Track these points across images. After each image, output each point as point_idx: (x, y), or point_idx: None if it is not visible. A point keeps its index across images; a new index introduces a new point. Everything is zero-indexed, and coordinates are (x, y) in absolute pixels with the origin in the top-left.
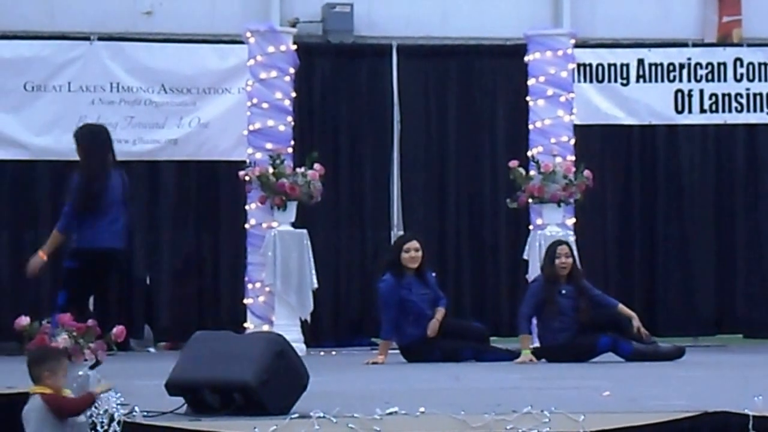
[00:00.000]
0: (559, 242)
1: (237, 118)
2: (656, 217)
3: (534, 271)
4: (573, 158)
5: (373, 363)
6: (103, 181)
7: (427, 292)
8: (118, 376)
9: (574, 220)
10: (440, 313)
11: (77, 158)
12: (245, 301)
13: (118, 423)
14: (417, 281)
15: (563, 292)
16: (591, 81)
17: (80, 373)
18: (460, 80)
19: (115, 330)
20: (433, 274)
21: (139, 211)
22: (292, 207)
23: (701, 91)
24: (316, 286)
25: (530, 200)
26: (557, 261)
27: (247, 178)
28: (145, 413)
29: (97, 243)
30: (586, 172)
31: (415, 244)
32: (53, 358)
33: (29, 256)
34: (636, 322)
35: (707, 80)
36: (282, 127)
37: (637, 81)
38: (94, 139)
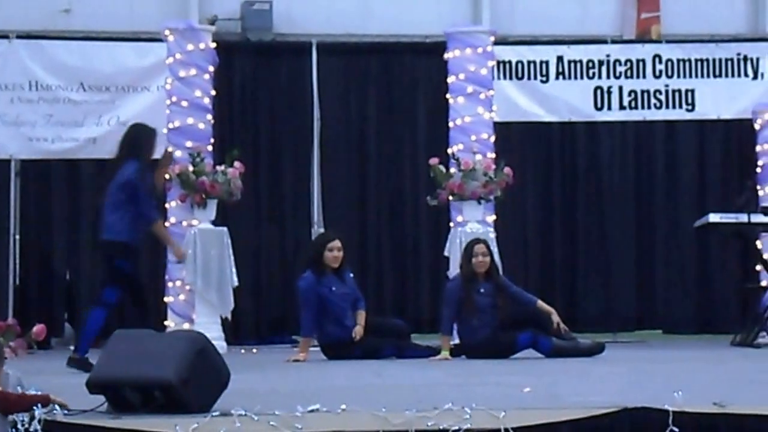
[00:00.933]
0: (477, 240)
1: (156, 117)
2: (576, 213)
3: (455, 268)
4: (493, 155)
5: (295, 360)
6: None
7: (346, 291)
8: (38, 374)
9: (494, 217)
10: (361, 317)
11: None
12: (166, 299)
13: (39, 421)
14: (337, 280)
15: (481, 290)
16: (511, 78)
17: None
18: (380, 78)
19: (35, 329)
20: (351, 275)
21: (59, 209)
22: (213, 205)
23: (620, 88)
24: (236, 283)
25: (451, 197)
26: (474, 259)
27: (167, 176)
28: (66, 412)
29: (137, 239)
30: (506, 169)
31: (337, 243)
32: None
33: None
34: (555, 318)
35: (626, 77)
36: (202, 125)
37: (557, 78)
38: (150, 135)
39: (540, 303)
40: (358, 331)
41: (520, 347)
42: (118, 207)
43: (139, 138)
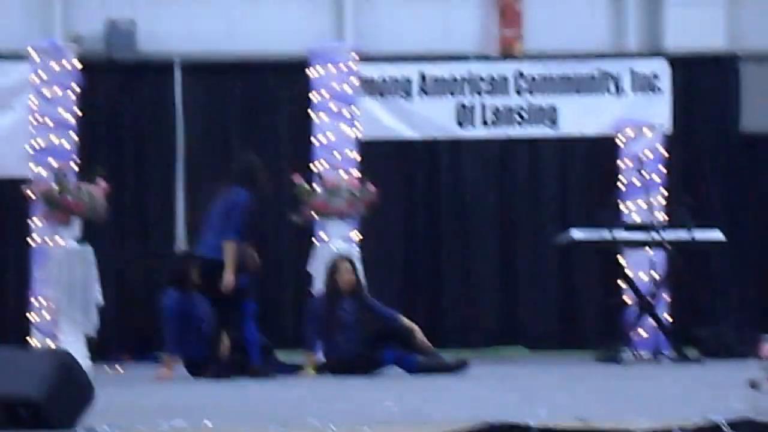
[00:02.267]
0: (341, 258)
1: (20, 135)
2: (440, 230)
3: (319, 285)
4: (357, 173)
5: (160, 378)
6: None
7: (210, 309)
8: None
9: (359, 234)
10: (223, 338)
11: None
12: (30, 317)
13: None
14: (201, 297)
15: (345, 307)
16: (374, 95)
17: None
18: (244, 95)
19: None
20: None
21: None
22: (77, 223)
23: (483, 105)
24: (101, 301)
25: (314, 215)
26: (339, 276)
27: (31, 194)
28: None
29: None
30: (371, 187)
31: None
32: None
33: None
34: (418, 334)
35: (489, 94)
36: (66, 144)
37: (420, 95)
38: (262, 169)
39: (402, 319)
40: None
41: (384, 364)
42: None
43: (252, 170)
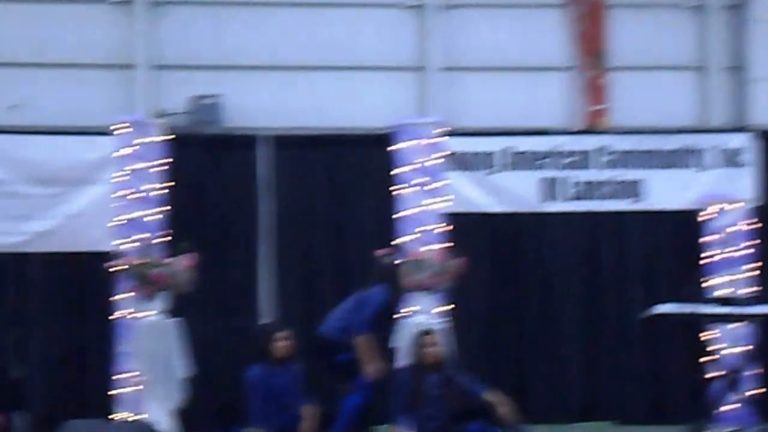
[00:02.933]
0: (426, 331)
1: (106, 210)
2: (525, 303)
3: (403, 359)
4: (442, 246)
5: None
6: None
7: (293, 381)
8: None
9: (443, 307)
10: (309, 413)
11: None
12: (115, 391)
13: None
14: (286, 370)
15: (430, 381)
16: (458, 169)
17: None
18: (328, 169)
19: None
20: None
21: (9, 302)
22: (162, 297)
23: (566, 180)
24: (186, 375)
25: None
26: (424, 350)
27: (117, 268)
28: None
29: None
30: (455, 260)
31: (285, 333)
32: None
33: None
34: (506, 407)
35: (574, 168)
36: (150, 218)
37: (504, 169)
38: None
39: (489, 393)
40: (309, 425)
41: None
42: (347, 314)
43: (392, 271)
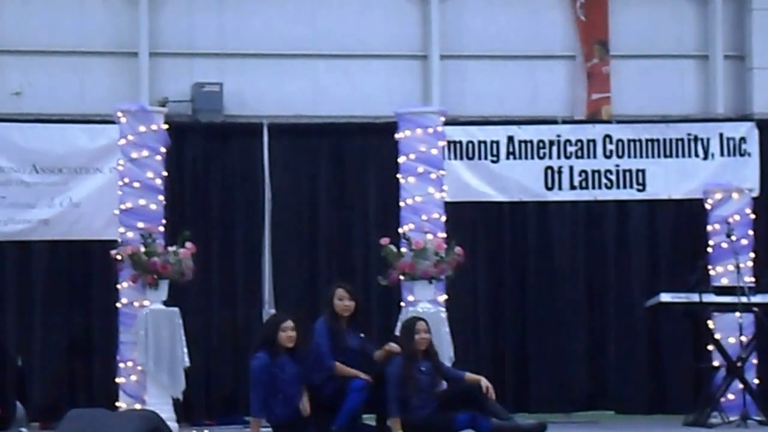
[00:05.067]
0: (417, 318)
1: (108, 198)
2: (527, 293)
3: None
4: (444, 235)
5: None
6: None
7: (297, 372)
8: None
9: (445, 296)
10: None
11: None
12: (117, 380)
13: None
14: (290, 360)
15: (422, 368)
16: (461, 158)
17: None
18: (331, 158)
19: None
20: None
21: (11, 291)
22: (164, 285)
23: (571, 168)
24: (188, 364)
25: (401, 277)
26: (417, 336)
27: (118, 257)
28: None
29: None
30: (457, 249)
31: (291, 323)
32: None
33: None
34: (484, 383)
35: (577, 157)
36: (153, 206)
37: (507, 158)
38: None
39: (468, 375)
40: (304, 406)
41: (459, 428)
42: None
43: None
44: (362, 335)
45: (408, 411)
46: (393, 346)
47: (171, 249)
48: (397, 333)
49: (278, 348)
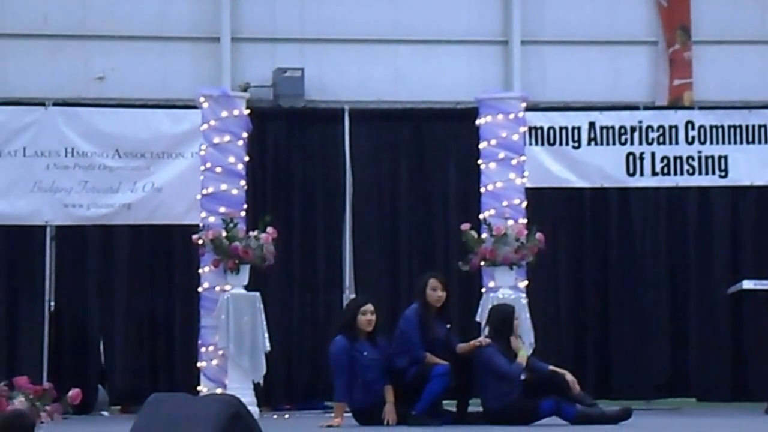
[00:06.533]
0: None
1: (190, 183)
2: (609, 279)
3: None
4: (525, 221)
5: (329, 426)
6: None
7: (377, 357)
8: None
9: (526, 282)
10: (390, 394)
11: (33, 223)
12: (198, 364)
13: None
14: (369, 345)
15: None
16: (542, 144)
17: None
18: (412, 143)
19: (71, 393)
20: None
21: (93, 275)
22: (245, 270)
23: (653, 154)
24: (268, 348)
25: (482, 263)
26: (516, 322)
27: (200, 241)
28: None
29: None
30: (538, 235)
31: (370, 307)
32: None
33: None
34: (569, 377)
35: (659, 143)
36: (235, 191)
37: (589, 144)
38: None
39: (552, 367)
40: (388, 412)
41: (543, 414)
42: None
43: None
44: (448, 326)
45: (494, 398)
46: (482, 341)
47: (252, 234)
48: (478, 319)
49: (357, 332)
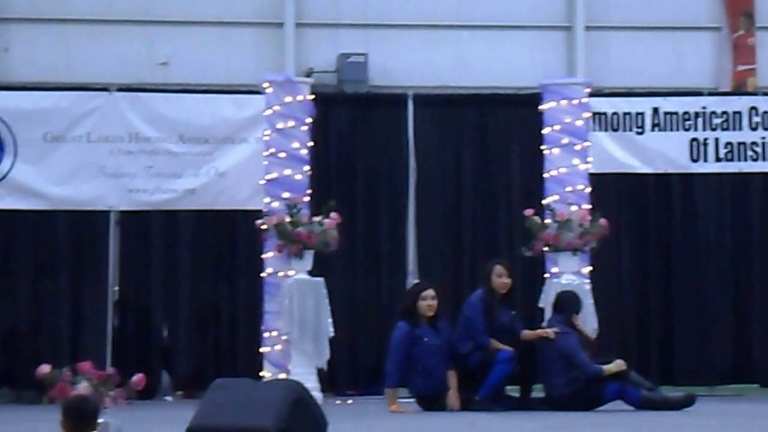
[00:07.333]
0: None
1: (254, 168)
2: (672, 265)
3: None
4: (588, 207)
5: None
6: None
7: (438, 343)
8: (138, 423)
9: (589, 268)
10: (454, 379)
11: (97, 208)
12: (262, 349)
13: None
14: (431, 330)
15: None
16: (606, 130)
17: (100, 420)
18: (475, 129)
19: (134, 378)
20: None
21: (157, 260)
22: (309, 255)
23: (716, 140)
24: (332, 334)
25: (545, 249)
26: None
27: (264, 227)
28: None
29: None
30: (602, 221)
31: (431, 292)
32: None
33: (48, 306)
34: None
35: (722, 129)
36: (299, 176)
37: (652, 129)
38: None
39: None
40: (451, 398)
41: (608, 399)
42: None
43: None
44: (513, 312)
45: (560, 383)
46: (548, 332)
47: (316, 219)
48: (541, 304)
49: (419, 317)
